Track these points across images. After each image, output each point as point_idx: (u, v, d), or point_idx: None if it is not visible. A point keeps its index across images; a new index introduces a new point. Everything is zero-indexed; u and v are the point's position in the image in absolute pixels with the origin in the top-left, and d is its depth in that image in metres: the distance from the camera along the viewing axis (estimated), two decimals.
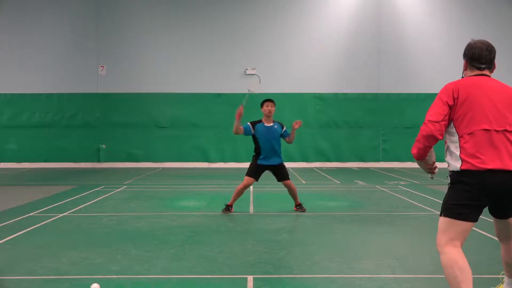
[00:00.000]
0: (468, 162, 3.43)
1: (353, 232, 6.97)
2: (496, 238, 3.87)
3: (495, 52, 3.71)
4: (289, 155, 19.72)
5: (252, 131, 8.37)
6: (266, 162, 8.40)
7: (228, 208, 8.52)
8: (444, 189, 12.18)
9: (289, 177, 8.60)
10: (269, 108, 8.41)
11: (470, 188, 3.42)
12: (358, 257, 5.56)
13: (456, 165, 3.49)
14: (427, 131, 3.50)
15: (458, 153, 3.49)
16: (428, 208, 9.01)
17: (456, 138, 3.52)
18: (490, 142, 3.43)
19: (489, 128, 3.45)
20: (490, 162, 3.40)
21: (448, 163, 3.58)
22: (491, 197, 3.45)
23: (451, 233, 3.47)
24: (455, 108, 3.52)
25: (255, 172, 8.43)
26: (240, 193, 8.53)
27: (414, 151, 3.67)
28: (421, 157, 3.69)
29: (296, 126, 8.40)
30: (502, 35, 19.83)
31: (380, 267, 5.16)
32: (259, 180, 8.64)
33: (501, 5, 20.17)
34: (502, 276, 4.12)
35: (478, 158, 3.41)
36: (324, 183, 13.53)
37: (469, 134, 3.46)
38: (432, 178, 4.02)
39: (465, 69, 3.79)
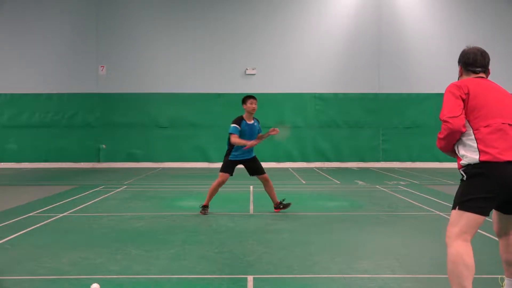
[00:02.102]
0: (487, 153, 3.43)
1: (353, 232, 6.97)
2: (496, 237, 3.86)
3: (489, 58, 3.79)
4: (289, 155, 19.77)
5: (239, 128, 8.21)
6: (240, 157, 8.27)
7: (205, 208, 8.35)
8: (444, 189, 12.10)
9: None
10: (254, 106, 8.24)
11: (489, 180, 3.42)
12: (358, 257, 5.56)
13: (474, 156, 3.48)
14: (450, 128, 3.51)
15: (475, 145, 3.50)
16: (428, 208, 9.01)
17: (470, 131, 3.54)
18: (506, 134, 3.48)
19: (504, 122, 3.51)
20: (508, 153, 3.42)
21: (462, 156, 3.56)
22: (507, 190, 3.44)
23: (463, 226, 3.47)
24: (467, 103, 3.56)
25: (229, 167, 8.30)
26: (215, 191, 8.38)
27: (440, 146, 3.69)
28: (449, 150, 3.71)
29: (273, 133, 8.18)
30: (502, 35, 19.84)
31: (380, 267, 5.16)
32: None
33: (501, 6, 20.16)
34: (501, 277, 4.12)
35: (497, 148, 3.43)
36: (324, 183, 13.53)
37: (485, 126, 3.50)
38: None
39: (461, 74, 3.86)
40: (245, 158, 8.34)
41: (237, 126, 8.16)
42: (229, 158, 8.30)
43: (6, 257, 5.57)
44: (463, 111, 3.54)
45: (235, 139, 8.08)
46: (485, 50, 3.79)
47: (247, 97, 8.37)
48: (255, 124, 8.37)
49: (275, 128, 8.24)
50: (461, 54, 3.85)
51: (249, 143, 8.04)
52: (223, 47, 20.02)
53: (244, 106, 8.33)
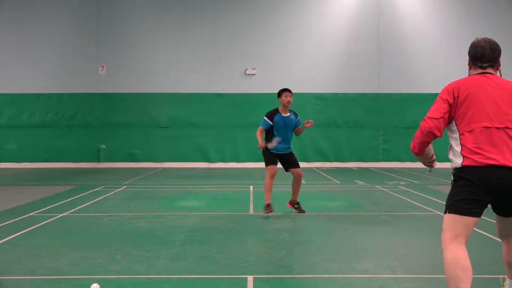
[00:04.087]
0: (469, 158, 3.46)
1: (353, 232, 6.97)
2: (498, 238, 3.86)
3: (499, 51, 3.70)
4: None
5: (271, 123, 8.26)
6: (280, 151, 8.27)
7: (268, 207, 8.17)
8: (444, 188, 12.09)
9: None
10: (288, 98, 8.33)
11: (472, 184, 3.44)
12: (358, 257, 5.56)
13: (458, 161, 3.52)
14: (425, 127, 3.56)
15: (459, 150, 3.53)
16: (428, 208, 9.01)
17: (457, 135, 3.57)
18: (491, 139, 3.46)
19: (490, 126, 3.47)
20: (492, 158, 3.42)
21: (451, 161, 3.62)
22: (492, 194, 3.45)
23: (456, 229, 3.47)
24: (456, 107, 3.56)
25: (273, 158, 8.26)
26: (270, 185, 8.23)
27: (413, 146, 3.72)
28: (420, 152, 3.73)
29: (308, 125, 8.32)
30: (502, 35, 19.80)
31: (380, 267, 5.16)
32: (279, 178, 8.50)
33: (501, 5, 20.16)
34: (502, 277, 4.12)
35: (479, 154, 3.44)
36: (324, 183, 13.53)
37: (469, 131, 3.50)
38: (431, 171, 4.10)
39: (470, 67, 3.80)
40: (284, 152, 8.32)
41: (268, 120, 8.27)
42: (271, 152, 8.27)
43: (6, 257, 5.57)
44: (445, 115, 3.56)
45: (257, 132, 8.29)
46: (496, 42, 3.71)
47: (282, 90, 8.47)
48: (291, 117, 8.40)
49: (310, 120, 8.36)
50: (470, 46, 3.77)
51: (260, 144, 8.18)
52: (223, 47, 20.02)
53: (279, 99, 8.43)
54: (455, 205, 3.49)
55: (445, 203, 3.64)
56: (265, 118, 8.32)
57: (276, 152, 8.29)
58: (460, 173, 3.52)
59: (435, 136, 3.58)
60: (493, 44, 3.71)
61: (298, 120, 8.49)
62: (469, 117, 3.52)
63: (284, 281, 4.72)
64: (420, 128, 3.60)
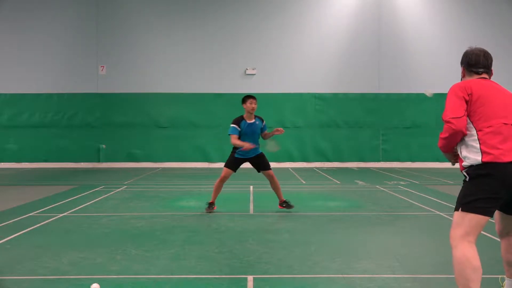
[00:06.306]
0: (490, 153, 3.44)
1: (353, 232, 6.97)
2: (497, 237, 3.87)
3: (492, 59, 3.80)
4: (289, 155, 19.76)
5: (239, 129, 8.31)
6: (244, 155, 8.35)
7: (211, 206, 8.49)
8: (444, 188, 12.09)
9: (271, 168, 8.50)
10: (253, 105, 8.31)
11: (491, 181, 3.42)
12: (358, 257, 5.56)
13: (477, 157, 3.49)
14: (453, 128, 3.52)
15: (478, 145, 3.50)
16: (428, 208, 9.01)
17: (473, 132, 3.54)
18: (508, 135, 3.49)
19: (507, 122, 3.52)
20: (510, 154, 3.43)
21: (465, 158, 3.57)
22: (509, 190, 3.45)
23: (467, 227, 3.46)
24: (470, 104, 3.57)
25: (233, 164, 8.38)
26: (219, 186, 8.47)
27: (441, 146, 3.70)
28: (448, 151, 3.73)
29: (277, 133, 8.33)
30: (502, 35, 19.83)
31: (380, 267, 5.16)
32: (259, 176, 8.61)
33: (501, 6, 20.16)
34: (502, 277, 4.12)
35: (500, 149, 3.44)
36: (324, 183, 13.53)
37: (488, 127, 3.50)
38: (454, 164, 4.06)
39: (463, 76, 3.86)
40: (251, 156, 8.40)
41: (236, 126, 8.28)
42: (235, 156, 8.39)
43: (6, 257, 5.57)
44: (466, 112, 3.55)
45: (233, 140, 8.23)
46: (488, 51, 3.80)
47: (246, 97, 8.45)
48: (257, 122, 8.42)
49: (279, 128, 8.39)
50: (463, 55, 3.84)
51: (246, 145, 8.11)
52: (223, 47, 20.02)
53: (244, 106, 8.42)
54: (471, 204, 3.47)
55: (456, 199, 3.63)
56: (233, 125, 8.29)
57: (241, 156, 8.37)
58: (478, 170, 3.48)
59: (463, 134, 3.56)
60: (486, 52, 3.80)
61: (264, 124, 8.52)
62: (485, 114, 3.53)
63: (284, 281, 4.72)
64: (447, 130, 3.55)
